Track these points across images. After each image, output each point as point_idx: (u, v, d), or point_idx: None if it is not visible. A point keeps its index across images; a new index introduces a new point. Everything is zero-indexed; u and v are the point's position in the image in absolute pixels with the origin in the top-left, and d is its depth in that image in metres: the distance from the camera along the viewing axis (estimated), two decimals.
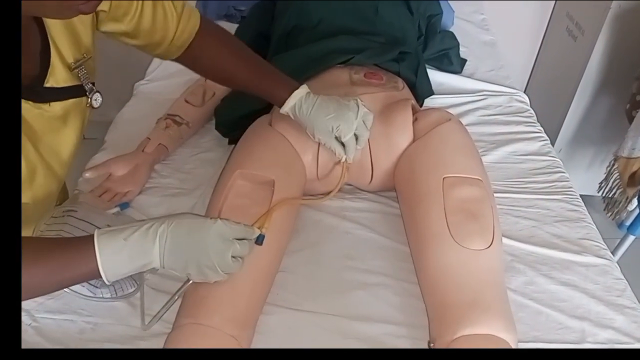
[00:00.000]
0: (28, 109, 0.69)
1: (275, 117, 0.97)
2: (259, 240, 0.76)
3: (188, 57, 0.89)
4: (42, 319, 0.79)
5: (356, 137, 0.89)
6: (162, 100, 1.18)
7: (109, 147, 1.11)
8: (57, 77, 0.72)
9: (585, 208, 1.04)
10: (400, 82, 1.10)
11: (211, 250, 0.68)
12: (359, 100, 0.89)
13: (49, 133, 0.73)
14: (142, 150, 1.03)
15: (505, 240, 0.90)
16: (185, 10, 0.86)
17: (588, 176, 1.81)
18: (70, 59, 0.73)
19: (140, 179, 1.00)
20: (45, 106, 0.71)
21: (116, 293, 0.82)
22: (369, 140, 0.96)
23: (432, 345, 0.75)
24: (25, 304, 0.80)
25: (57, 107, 0.73)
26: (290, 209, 0.91)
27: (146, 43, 0.85)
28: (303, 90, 0.89)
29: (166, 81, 1.29)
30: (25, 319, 0.78)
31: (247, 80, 0.92)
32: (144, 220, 0.69)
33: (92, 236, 0.65)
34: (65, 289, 0.79)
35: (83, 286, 0.81)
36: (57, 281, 0.66)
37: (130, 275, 0.82)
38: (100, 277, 0.65)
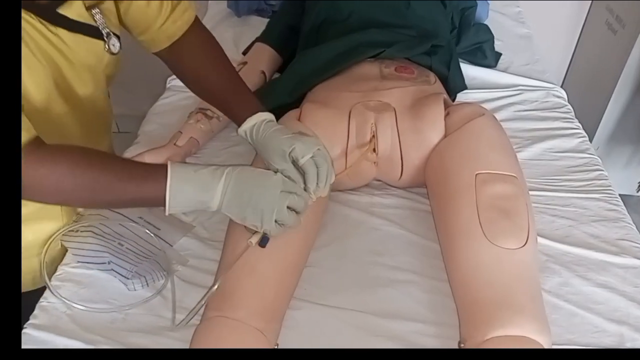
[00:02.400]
0: (38, 27, 0.70)
1: (304, 112, 0.97)
2: (263, 242, 0.76)
3: (173, 54, 0.88)
4: (76, 307, 0.80)
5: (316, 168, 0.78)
6: (194, 94, 1.19)
7: (142, 140, 1.12)
8: (72, 9, 0.73)
9: (624, 207, 1.00)
10: (432, 76, 1.08)
11: (270, 196, 0.72)
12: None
13: (58, 60, 0.75)
14: (174, 144, 1.04)
15: (540, 239, 0.87)
16: (182, 2, 0.86)
17: (626, 175, 1.75)
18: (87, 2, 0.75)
19: None
20: (52, 29, 0.72)
21: (147, 284, 0.84)
22: (398, 135, 0.94)
23: (462, 345, 0.73)
24: (60, 292, 0.82)
25: (66, 37, 0.74)
26: (318, 203, 0.90)
27: (137, 19, 0.84)
28: (268, 115, 0.84)
29: None
30: (60, 306, 0.80)
31: (217, 92, 0.89)
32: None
33: (165, 164, 0.70)
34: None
35: (115, 277, 0.83)
36: (124, 193, 0.70)
37: (161, 266, 0.84)
38: (164, 204, 0.69)
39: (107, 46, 0.80)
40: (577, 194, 1.01)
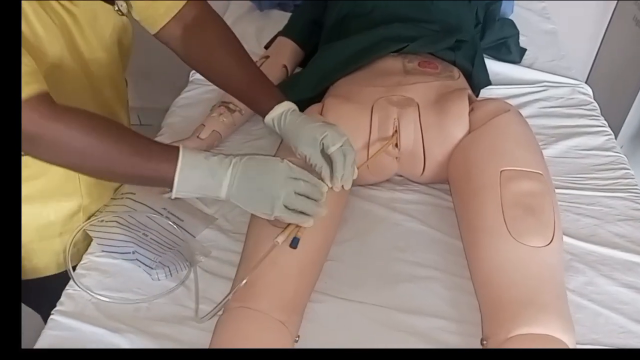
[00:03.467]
0: None
1: (327, 106, 0.97)
2: (294, 243, 0.77)
3: (180, 39, 0.87)
4: (101, 295, 0.82)
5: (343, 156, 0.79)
6: (216, 87, 1.19)
7: (165, 132, 1.13)
8: None
9: None
10: (456, 71, 1.07)
11: (277, 181, 0.73)
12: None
13: (70, 24, 0.75)
14: (197, 136, 1.05)
15: (564, 238, 0.86)
16: None
17: None
18: None
19: None
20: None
21: (170, 274, 0.85)
22: (421, 130, 0.94)
23: (484, 343, 0.73)
24: (85, 281, 0.84)
25: (74, 2, 0.75)
26: (340, 197, 0.90)
27: None
28: (291, 105, 0.86)
29: None
30: (85, 295, 0.82)
31: (237, 81, 0.88)
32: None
33: (178, 147, 0.71)
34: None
35: (139, 267, 0.85)
36: (133, 167, 0.71)
37: (184, 256, 0.85)
38: (171, 185, 0.70)
39: (116, 6, 0.81)
40: (603, 192, 0.99)
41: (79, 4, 0.76)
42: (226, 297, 0.75)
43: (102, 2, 0.79)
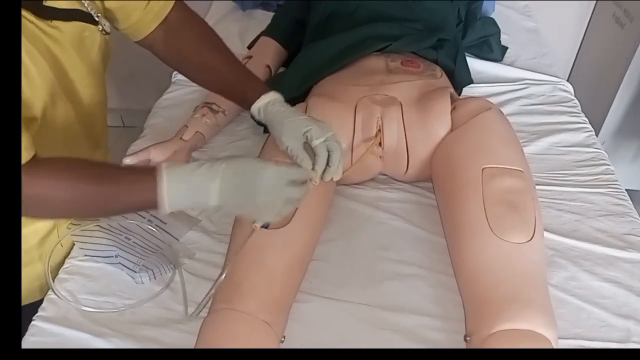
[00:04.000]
0: (32, 20, 0.69)
1: (311, 105, 0.97)
2: (265, 225, 0.76)
3: (163, 41, 0.86)
4: (84, 299, 0.81)
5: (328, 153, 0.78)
6: (199, 88, 1.18)
7: (148, 134, 1.13)
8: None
9: (631, 202, 1.00)
10: (438, 70, 1.08)
11: (268, 191, 0.70)
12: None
13: (57, 53, 0.74)
14: (181, 138, 1.04)
15: (546, 234, 0.87)
16: None
17: (633, 170, 1.74)
18: None
19: None
20: (48, 22, 0.72)
21: (154, 277, 0.84)
22: (404, 129, 0.94)
23: (468, 339, 0.73)
24: (68, 285, 0.83)
25: (61, 26, 0.73)
26: (324, 197, 0.90)
27: (122, 3, 0.82)
28: (278, 95, 0.84)
29: None
30: (68, 298, 0.81)
31: (222, 77, 0.87)
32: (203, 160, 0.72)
33: (156, 167, 0.68)
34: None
35: (122, 270, 0.84)
36: (123, 204, 0.69)
37: (168, 259, 0.84)
38: (158, 206, 0.67)
39: (101, 27, 0.79)
40: (584, 188, 1.01)
41: (64, 30, 0.74)
42: (209, 290, 0.74)
43: (87, 24, 0.78)
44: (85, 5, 0.76)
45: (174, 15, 0.86)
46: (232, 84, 0.87)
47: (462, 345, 0.74)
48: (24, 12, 0.68)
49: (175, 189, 0.67)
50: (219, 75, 0.88)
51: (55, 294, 0.82)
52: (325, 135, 0.79)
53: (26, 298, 0.87)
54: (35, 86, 0.71)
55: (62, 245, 0.88)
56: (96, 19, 0.78)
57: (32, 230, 0.84)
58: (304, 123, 0.79)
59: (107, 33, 0.81)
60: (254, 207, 0.72)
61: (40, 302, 0.82)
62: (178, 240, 0.90)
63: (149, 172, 0.68)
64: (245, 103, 0.87)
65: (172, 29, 0.86)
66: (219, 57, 0.87)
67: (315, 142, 0.78)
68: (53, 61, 0.74)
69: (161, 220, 0.90)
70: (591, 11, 1.87)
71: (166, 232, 0.89)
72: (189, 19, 0.88)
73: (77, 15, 0.76)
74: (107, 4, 0.81)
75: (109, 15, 0.83)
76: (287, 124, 0.80)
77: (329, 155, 0.78)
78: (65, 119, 0.79)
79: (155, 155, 1.01)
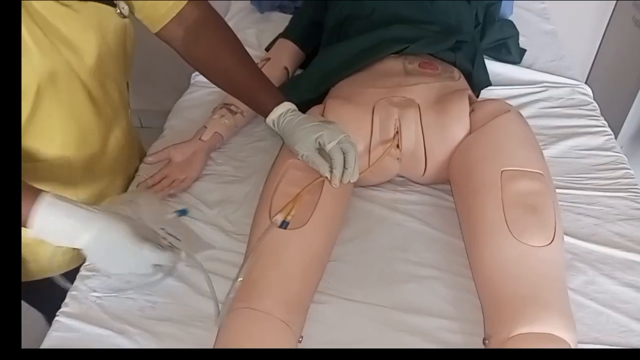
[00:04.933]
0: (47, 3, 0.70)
1: (328, 107, 0.97)
2: (283, 225, 0.78)
3: (180, 38, 0.87)
4: (105, 296, 0.82)
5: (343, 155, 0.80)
6: (218, 89, 1.19)
7: (168, 134, 1.14)
8: None
9: None
10: (456, 72, 1.07)
11: (128, 266, 0.74)
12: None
13: (69, 26, 0.74)
14: (199, 138, 1.05)
15: (565, 238, 0.86)
16: None
17: None
18: None
19: (198, 166, 1.03)
20: (62, 2, 0.72)
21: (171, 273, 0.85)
22: (422, 131, 0.94)
23: (486, 342, 0.73)
24: (90, 282, 0.84)
25: (75, 5, 0.74)
26: (341, 198, 0.91)
27: None
28: (290, 105, 0.87)
29: None
30: (90, 296, 0.83)
31: (238, 82, 0.88)
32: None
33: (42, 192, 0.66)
34: None
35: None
36: None
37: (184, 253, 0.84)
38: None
39: (117, 9, 0.80)
40: (603, 192, 1.00)
41: (80, 8, 0.76)
42: (228, 293, 0.75)
43: (104, 5, 0.79)
44: None
45: (193, 14, 0.87)
46: (247, 91, 0.89)
47: (479, 347, 0.74)
48: None
49: (47, 219, 0.66)
50: (235, 80, 0.89)
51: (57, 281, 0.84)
52: (338, 137, 0.81)
53: (47, 271, 0.89)
54: (34, 65, 0.71)
55: None
56: (115, 2, 0.79)
57: None
58: (314, 129, 0.81)
59: (124, 16, 0.82)
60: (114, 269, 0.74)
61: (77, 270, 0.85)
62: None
63: (34, 192, 0.66)
64: (260, 111, 0.89)
65: (191, 28, 0.87)
66: (236, 62, 0.88)
67: (329, 147, 0.81)
68: (61, 42, 0.74)
69: (175, 237, 0.88)
70: (610, 14, 1.85)
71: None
72: (211, 20, 0.89)
73: None
74: None
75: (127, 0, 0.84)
76: (299, 133, 0.82)
77: (344, 157, 0.80)
78: (70, 93, 0.79)
79: (175, 156, 1.03)
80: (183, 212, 0.95)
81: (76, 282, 0.85)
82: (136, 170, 1.04)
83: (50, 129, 0.80)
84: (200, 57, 0.90)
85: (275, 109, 0.86)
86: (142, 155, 1.07)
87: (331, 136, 0.80)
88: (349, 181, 0.82)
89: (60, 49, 0.75)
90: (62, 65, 0.76)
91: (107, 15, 0.81)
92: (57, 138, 0.82)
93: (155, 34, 0.89)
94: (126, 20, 0.85)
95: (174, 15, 0.86)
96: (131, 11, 0.86)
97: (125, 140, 0.97)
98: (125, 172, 1.01)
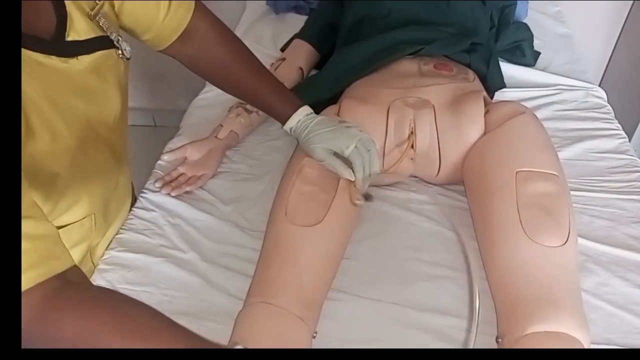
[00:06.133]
0: (54, 64, 0.65)
1: (343, 108, 0.98)
2: (368, 199, 0.80)
3: (186, 52, 0.84)
4: (123, 289, 0.84)
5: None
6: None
7: (184, 132, 1.16)
8: (78, 28, 0.68)
9: None
10: (471, 74, 1.08)
11: None
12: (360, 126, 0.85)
13: (83, 90, 0.70)
14: (216, 137, 1.07)
15: (579, 240, 0.86)
16: None
17: None
18: (86, 8, 0.69)
19: (213, 164, 1.04)
20: (72, 61, 0.67)
21: None
22: (437, 131, 0.95)
23: (499, 340, 0.74)
24: (108, 275, 0.86)
25: (86, 61, 0.69)
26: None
27: (137, 17, 0.78)
28: (306, 110, 0.87)
29: None
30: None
31: (251, 91, 0.87)
32: None
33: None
34: None
35: None
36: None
37: None
38: None
39: (120, 52, 0.75)
40: (617, 194, 1.00)
41: (84, 61, 0.70)
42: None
43: (106, 51, 0.73)
44: (102, 26, 0.71)
45: (195, 25, 0.83)
46: (262, 100, 0.90)
47: (492, 346, 0.75)
48: (44, 58, 0.63)
49: None
50: (248, 90, 0.89)
51: None
52: (354, 141, 0.81)
53: None
54: (61, 139, 0.67)
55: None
56: (116, 44, 0.74)
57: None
58: (329, 136, 0.82)
59: (127, 58, 0.77)
60: None
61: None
62: None
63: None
64: (276, 118, 0.89)
65: (193, 40, 0.84)
66: (246, 73, 0.88)
67: (347, 152, 0.82)
68: (80, 96, 0.70)
69: None
70: (625, 17, 1.84)
71: None
72: (217, 33, 0.86)
73: (99, 44, 0.71)
74: (122, 19, 0.77)
75: (127, 32, 0.80)
76: (314, 138, 0.84)
77: (363, 160, 0.81)
78: (97, 159, 0.77)
79: (191, 153, 1.04)
80: None
81: (94, 276, 0.86)
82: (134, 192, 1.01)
83: (77, 193, 0.75)
84: (209, 71, 0.89)
85: (291, 117, 0.87)
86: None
87: (343, 143, 0.81)
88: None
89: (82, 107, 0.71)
90: (85, 126, 0.72)
91: (107, 59, 0.74)
92: (84, 199, 0.77)
93: (160, 51, 0.85)
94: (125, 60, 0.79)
95: (179, 35, 0.82)
96: (134, 37, 0.81)
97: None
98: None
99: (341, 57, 1.15)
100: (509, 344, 0.72)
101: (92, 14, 0.70)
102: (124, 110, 0.81)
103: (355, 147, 0.82)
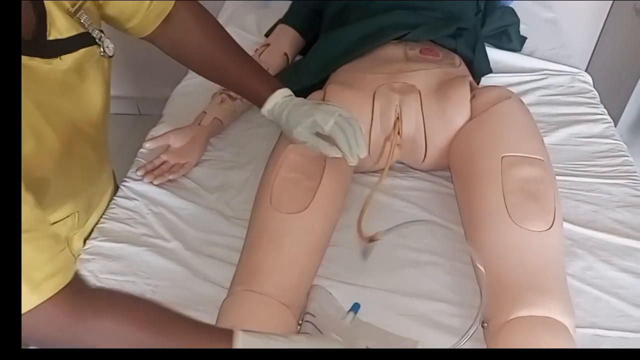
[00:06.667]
0: (38, 65, 0.64)
1: (328, 93, 0.97)
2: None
3: (167, 37, 0.82)
4: (105, 279, 0.83)
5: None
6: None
7: (166, 120, 1.14)
8: (59, 26, 0.66)
9: None
10: (457, 59, 1.07)
11: None
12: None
13: (67, 91, 0.69)
14: (199, 124, 1.05)
15: (564, 224, 0.86)
16: None
17: None
18: (66, 4, 0.68)
19: (197, 151, 1.03)
20: (56, 61, 0.66)
21: None
22: (423, 117, 0.94)
23: (485, 325, 0.74)
24: (90, 265, 0.84)
25: (69, 60, 0.68)
26: (341, 184, 0.91)
27: (122, 7, 0.77)
28: (286, 90, 0.84)
29: None
30: (91, 279, 0.83)
31: (231, 75, 0.86)
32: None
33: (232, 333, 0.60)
34: None
35: None
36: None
37: None
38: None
39: (102, 49, 0.73)
40: (602, 179, 1.00)
41: (66, 60, 0.68)
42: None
43: (87, 48, 0.71)
44: (83, 22, 0.70)
45: (177, 10, 0.82)
46: (241, 84, 0.87)
47: (479, 331, 0.75)
48: (27, 60, 0.62)
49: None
50: (227, 73, 0.87)
51: None
52: (333, 116, 0.79)
53: None
54: (46, 143, 0.66)
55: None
56: (98, 42, 0.72)
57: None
58: (308, 113, 0.80)
59: (110, 56, 0.75)
60: None
61: None
62: None
63: (223, 337, 0.60)
64: (257, 103, 0.87)
65: (175, 25, 0.83)
66: (226, 56, 0.86)
67: (327, 128, 0.79)
68: (65, 97, 0.69)
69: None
70: (611, 2, 1.84)
71: None
72: (192, 15, 0.84)
73: (81, 41, 0.70)
74: (106, 9, 0.76)
75: (109, 21, 0.79)
76: (293, 119, 0.81)
77: (345, 135, 0.78)
78: (81, 156, 0.76)
79: (174, 141, 1.03)
80: (357, 307, 0.80)
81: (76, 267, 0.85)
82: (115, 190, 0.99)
83: (64, 197, 0.76)
84: (189, 57, 0.87)
85: (269, 99, 0.84)
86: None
87: (323, 118, 0.78)
88: (359, 157, 0.80)
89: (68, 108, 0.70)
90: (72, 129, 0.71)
91: (90, 57, 0.73)
92: (69, 202, 0.78)
93: (141, 38, 0.83)
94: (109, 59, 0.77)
95: (160, 22, 0.81)
96: (114, 27, 0.80)
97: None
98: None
99: (326, 43, 1.13)
100: (495, 328, 0.72)
101: (73, 10, 0.68)
102: (106, 105, 0.79)
103: (335, 122, 0.79)
